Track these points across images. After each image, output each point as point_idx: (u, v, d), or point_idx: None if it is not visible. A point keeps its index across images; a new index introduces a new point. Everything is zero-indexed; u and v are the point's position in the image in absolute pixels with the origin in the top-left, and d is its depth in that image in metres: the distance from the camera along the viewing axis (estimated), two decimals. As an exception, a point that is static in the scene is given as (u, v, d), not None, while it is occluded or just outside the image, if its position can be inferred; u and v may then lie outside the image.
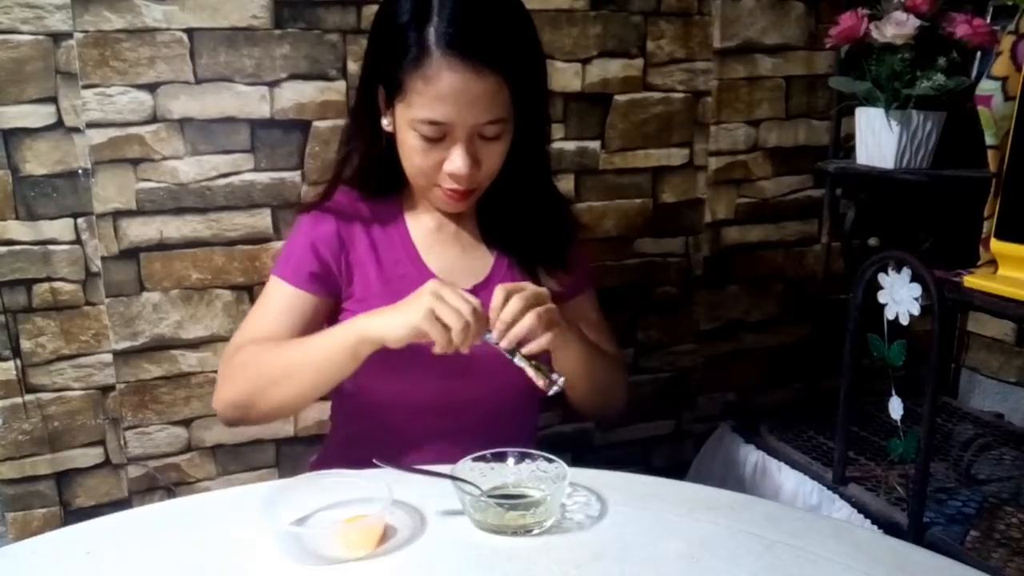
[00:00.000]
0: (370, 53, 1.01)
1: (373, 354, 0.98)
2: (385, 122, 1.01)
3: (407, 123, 0.96)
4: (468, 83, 0.91)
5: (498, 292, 0.91)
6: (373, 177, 1.07)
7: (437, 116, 0.93)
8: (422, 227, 1.09)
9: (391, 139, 1.01)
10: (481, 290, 1.08)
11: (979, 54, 1.36)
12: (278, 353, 1.00)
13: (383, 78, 0.98)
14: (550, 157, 1.12)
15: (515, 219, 1.08)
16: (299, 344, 0.99)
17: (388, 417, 1.06)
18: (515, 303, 0.90)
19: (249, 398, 1.00)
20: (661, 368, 1.71)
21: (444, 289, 0.90)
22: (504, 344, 0.90)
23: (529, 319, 0.90)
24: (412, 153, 0.98)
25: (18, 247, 1.27)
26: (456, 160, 0.95)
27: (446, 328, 0.88)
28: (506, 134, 0.98)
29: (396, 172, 1.04)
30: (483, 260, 1.10)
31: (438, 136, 0.95)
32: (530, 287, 0.93)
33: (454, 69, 0.90)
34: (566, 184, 1.54)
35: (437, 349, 0.89)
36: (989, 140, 1.15)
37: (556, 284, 1.07)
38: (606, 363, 1.09)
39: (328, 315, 1.08)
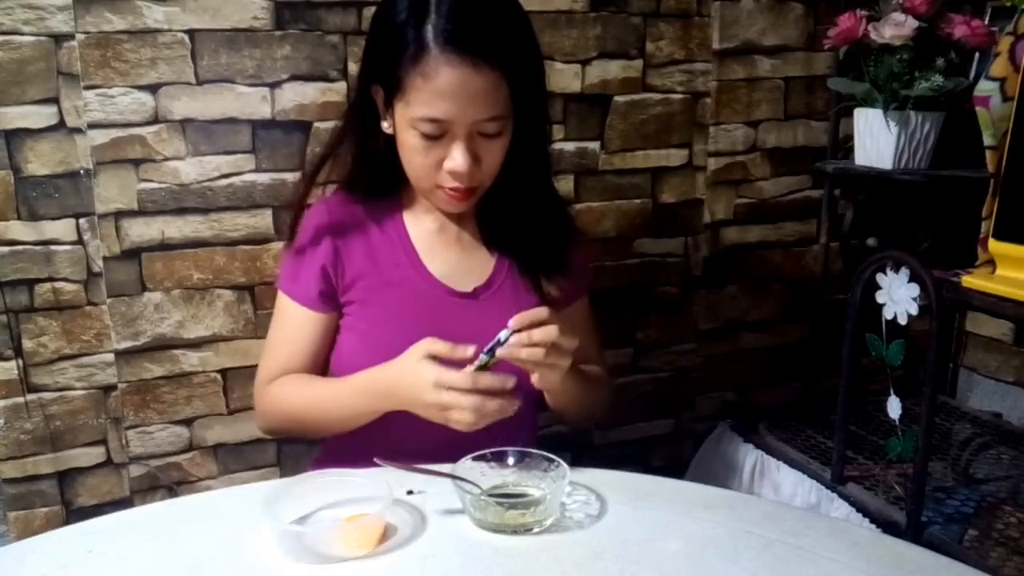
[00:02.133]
0: (368, 53, 1.01)
1: (375, 354, 0.99)
2: (385, 124, 1.01)
3: (407, 122, 0.96)
4: (467, 79, 0.91)
5: (542, 312, 0.91)
6: (369, 179, 1.08)
7: (437, 113, 0.93)
8: (422, 229, 1.09)
9: (389, 140, 1.02)
10: (483, 291, 1.08)
11: (977, 55, 1.36)
12: (304, 401, 1.06)
13: (381, 77, 0.98)
14: (551, 159, 1.13)
15: (516, 221, 1.08)
16: (323, 398, 1.04)
17: (388, 416, 1.06)
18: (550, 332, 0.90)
19: (287, 432, 1.13)
20: (660, 368, 1.71)
21: (440, 396, 0.89)
22: (523, 355, 0.89)
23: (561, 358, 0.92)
24: (412, 153, 0.98)
25: (20, 247, 1.28)
26: (457, 157, 0.95)
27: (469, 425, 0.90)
28: (506, 131, 0.98)
29: (394, 174, 1.04)
30: (484, 262, 1.10)
31: (438, 134, 0.95)
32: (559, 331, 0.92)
33: (453, 65, 0.91)
34: (566, 185, 1.55)
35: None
36: (987, 141, 1.16)
37: (556, 289, 1.08)
38: (592, 390, 1.11)
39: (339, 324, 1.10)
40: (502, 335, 0.89)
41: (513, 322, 0.89)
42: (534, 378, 0.94)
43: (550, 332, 0.89)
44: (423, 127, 0.94)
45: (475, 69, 0.91)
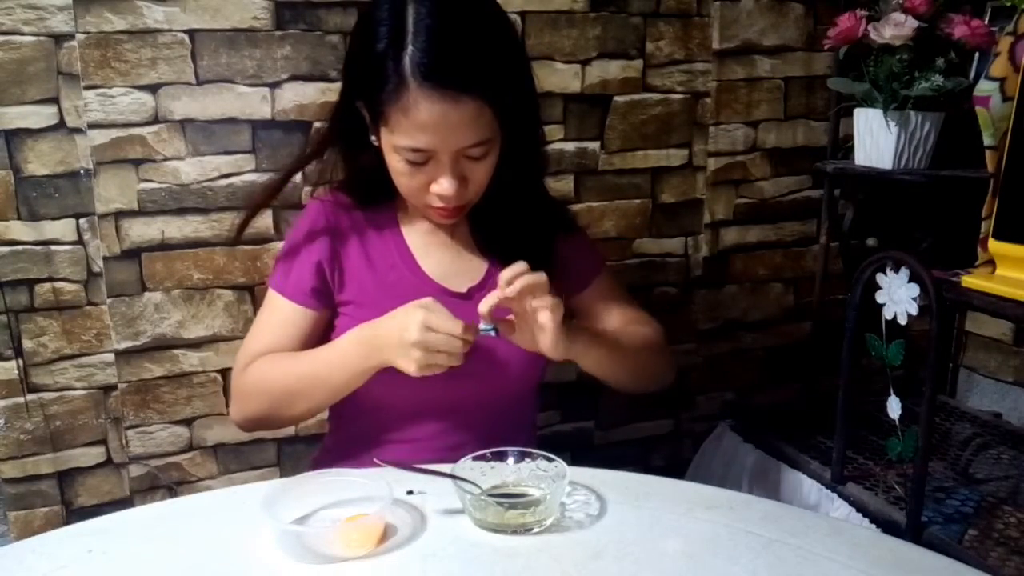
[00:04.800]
0: (349, 74, 1.01)
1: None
2: (373, 138, 1.00)
3: (391, 147, 0.96)
4: (447, 112, 0.90)
5: (518, 265, 0.92)
6: (363, 187, 1.08)
7: (419, 144, 0.92)
8: (416, 231, 1.09)
9: (380, 150, 1.01)
10: (477, 292, 1.08)
11: (977, 55, 1.36)
12: (288, 371, 1.02)
13: (364, 101, 0.97)
14: (545, 162, 1.12)
15: (507, 223, 1.09)
16: (308, 363, 1.01)
17: (388, 416, 1.07)
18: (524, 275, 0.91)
19: (265, 415, 1.05)
20: (660, 368, 1.71)
21: (434, 339, 0.90)
22: (509, 290, 0.90)
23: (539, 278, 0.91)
24: (399, 175, 0.98)
25: (20, 247, 1.28)
26: (443, 183, 0.96)
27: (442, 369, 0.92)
28: (492, 152, 0.98)
29: (389, 180, 1.03)
30: (478, 262, 1.10)
31: (422, 160, 0.95)
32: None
33: (432, 100, 0.89)
34: (566, 185, 1.55)
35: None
36: (987, 141, 1.16)
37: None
38: (632, 350, 1.09)
39: (329, 323, 1.09)
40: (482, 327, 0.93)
41: (483, 306, 0.92)
42: (540, 339, 0.93)
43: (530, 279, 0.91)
44: (407, 155, 0.94)
45: (455, 102, 0.90)
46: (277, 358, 1.04)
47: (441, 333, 0.90)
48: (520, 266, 0.92)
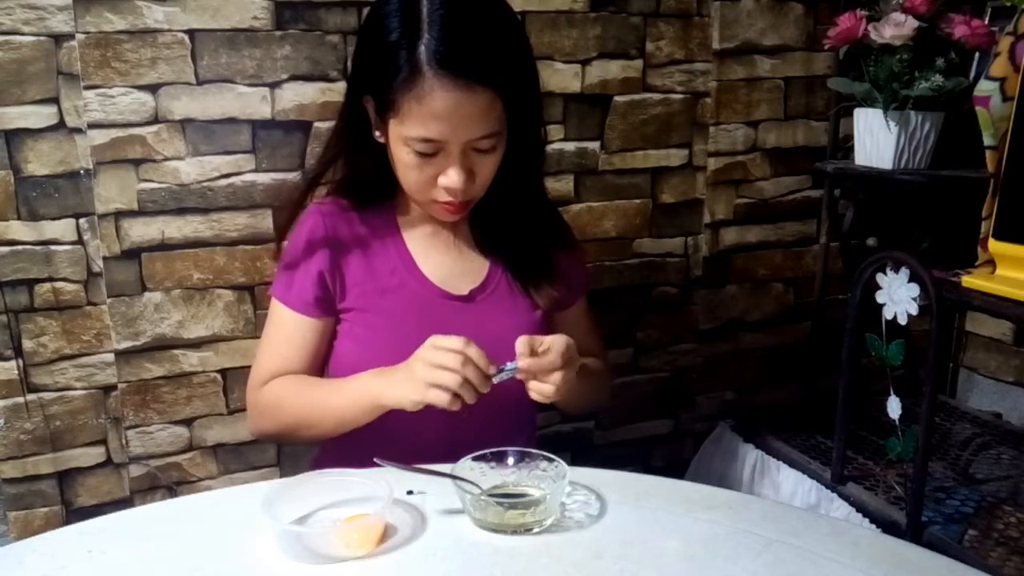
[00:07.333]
0: (358, 67, 1.01)
1: (373, 360, 1.00)
2: (377, 134, 1.00)
3: (400, 139, 0.96)
4: (461, 101, 0.91)
5: (521, 342, 0.94)
6: (364, 187, 1.08)
7: (431, 134, 0.93)
8: (416, 234, 1.09)
9: (382, 148, 1.01)
10: (478, 293, 1.08)
11: (977, 55, 1.36)
12: (301, 401, 1.05)
13: (374, 93, 0.97)
14: (544, 162, 1.13)
15: (507, 225, 1.09)
16: (320, 395, 1.04)
17: (388, 416, 1.06)
18: (557, 361, 0.94)
19: (278, 434, 1.12)
20: (660, 368, 1.71)
21: (434, 354, 0.91)
22: (534, 395, 0.95)
23: (563, 375, 0.94)
24: (406, 168, 0.98)
25: (20, 247, 1.28)
26: (452, 175, 0.96)
27: (449, 389, 0.91)
28: (500, 145, 0.98)
29: (388, 180, 1.04)
30: (479, 264, 1.10)
31: (432, 152, 0.95)
32: (560, 342, 0.95)
33: (446, 88, 0.90)
34: (566, 185, 1.55)
35: (453, 408, 0.91)
36: (987, 141, 1.16)
37: (548, 291, 1.09)
38: (596, 381, 1.15)
39: (335, 330, 1.10)
40: (508, 366, 0.93)
41: (520, 348, 0.93)
42: (550, 394, 0.95)
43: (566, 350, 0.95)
44: (417, 146, 0.94)
45: (469, 91, 0.90)
46: (292, 384, 1.06)
47: (445, 349, 0.91)
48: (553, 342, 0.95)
